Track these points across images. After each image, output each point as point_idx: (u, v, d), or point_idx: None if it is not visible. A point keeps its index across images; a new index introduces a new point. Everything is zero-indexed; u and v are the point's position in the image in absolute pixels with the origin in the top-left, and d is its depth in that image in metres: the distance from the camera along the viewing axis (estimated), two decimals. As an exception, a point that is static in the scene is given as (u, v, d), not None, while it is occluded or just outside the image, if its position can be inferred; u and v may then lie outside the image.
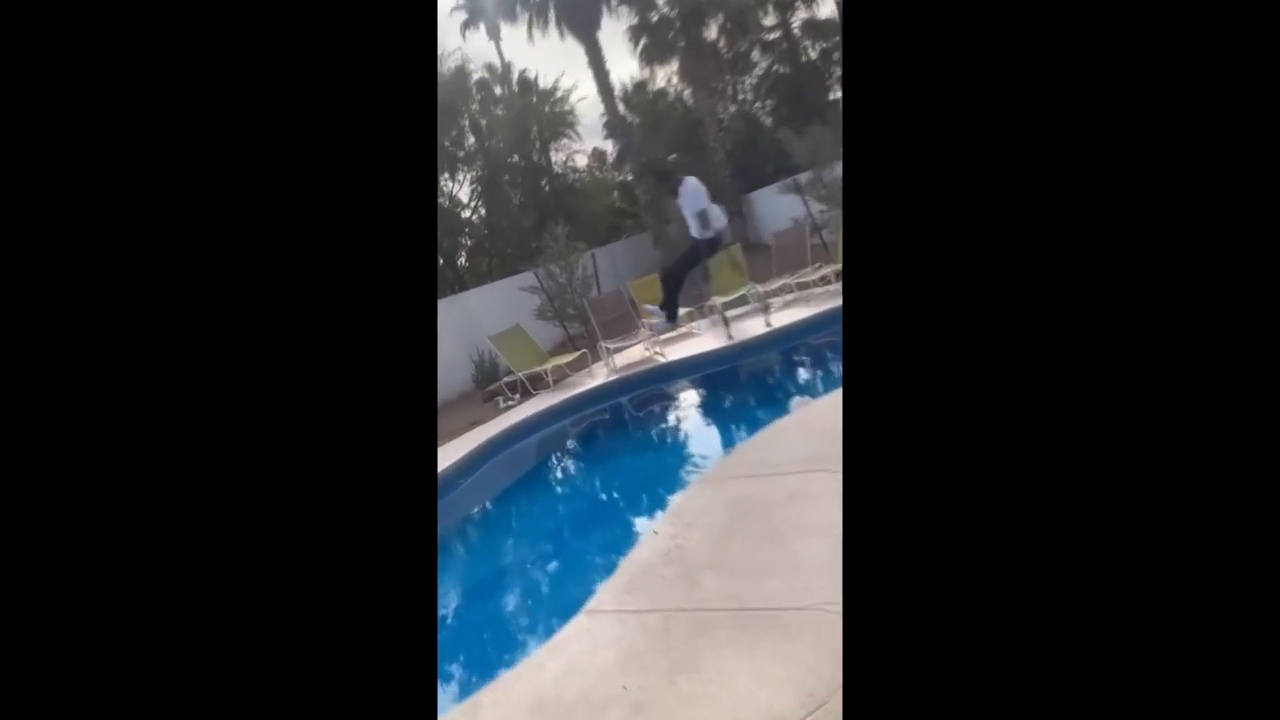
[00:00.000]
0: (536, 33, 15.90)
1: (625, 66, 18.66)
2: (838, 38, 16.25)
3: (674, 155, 16.62)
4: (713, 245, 5.34)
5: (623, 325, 8.71)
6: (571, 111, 16.29)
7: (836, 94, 16.40)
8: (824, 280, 8.26)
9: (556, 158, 16.48)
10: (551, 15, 15.34)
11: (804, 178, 9.62)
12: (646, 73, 17.33)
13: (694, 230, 5.16)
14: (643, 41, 16.20)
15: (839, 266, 8.04)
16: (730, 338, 7.22)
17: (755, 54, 17.59)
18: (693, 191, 5.08)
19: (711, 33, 16.22)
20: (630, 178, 16.82)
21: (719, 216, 5.20)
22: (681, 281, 5.74)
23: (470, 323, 9.82)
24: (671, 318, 5.95)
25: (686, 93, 17.49)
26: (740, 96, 18.08)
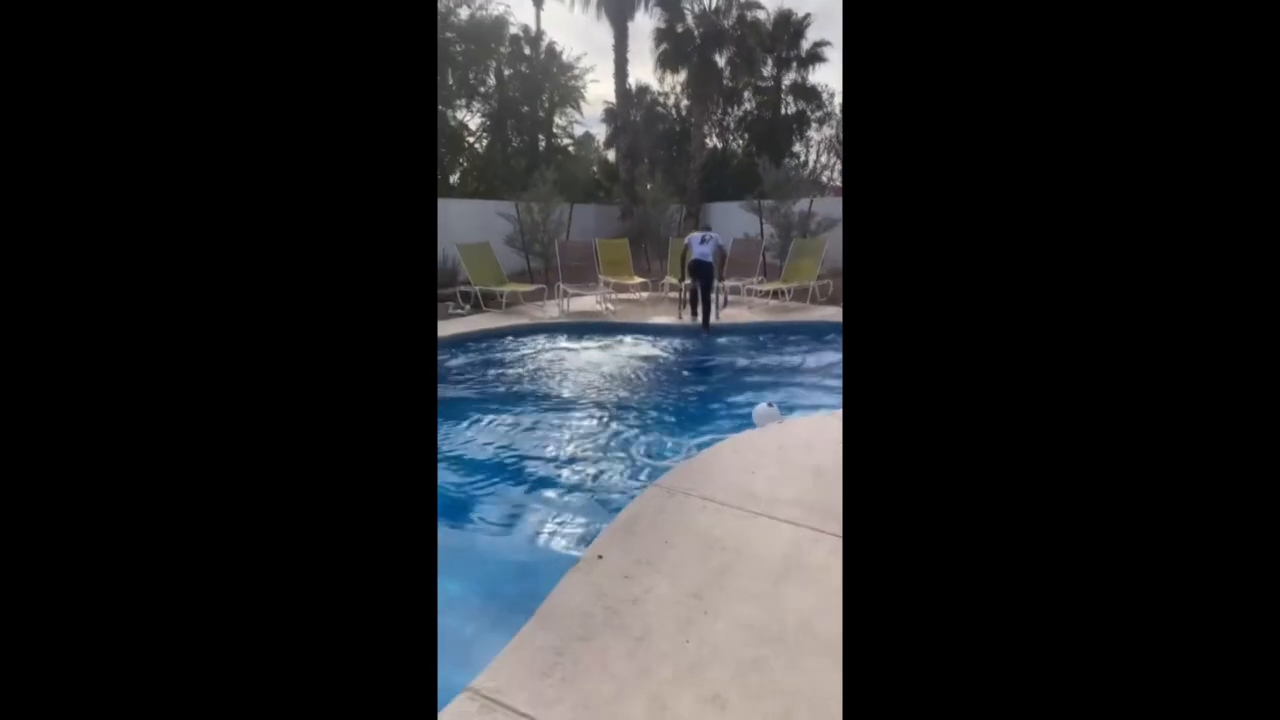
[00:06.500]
0: (577, 6, 18.00)
1: (640, 66, 21.17)
2: (816, 103, 18.99)
3: (660, 151, 18.81)
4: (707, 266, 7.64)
5: (583, 274, 9.26)
6: (583, 88, 19.05)
7: (797, 147, 19.22)
8: (775, 294, 9.31)
9: (558, 121, 19.18)
10: (595, -3, 17.40)
11: (767, 204, 11.44)
12: (657, 75, 19.18)
13: (695, 253, 7.73)
14: (664, 46, 18.01)
15: (787, 285, 9.51)
16: (680, 318, 7.90)
17: (747, 93, 19.71)
18: (697, 241, 7.78)
19: (720, 61, 18.24)
20: (613, 158, 19.27)
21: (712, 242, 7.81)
22: (700, 298, 7.70)
23: (442, 227, 9.60)
24: (704, 326, 7.54)
25: (684, 103, 19.55)
26: (725, 122, 20.12)
